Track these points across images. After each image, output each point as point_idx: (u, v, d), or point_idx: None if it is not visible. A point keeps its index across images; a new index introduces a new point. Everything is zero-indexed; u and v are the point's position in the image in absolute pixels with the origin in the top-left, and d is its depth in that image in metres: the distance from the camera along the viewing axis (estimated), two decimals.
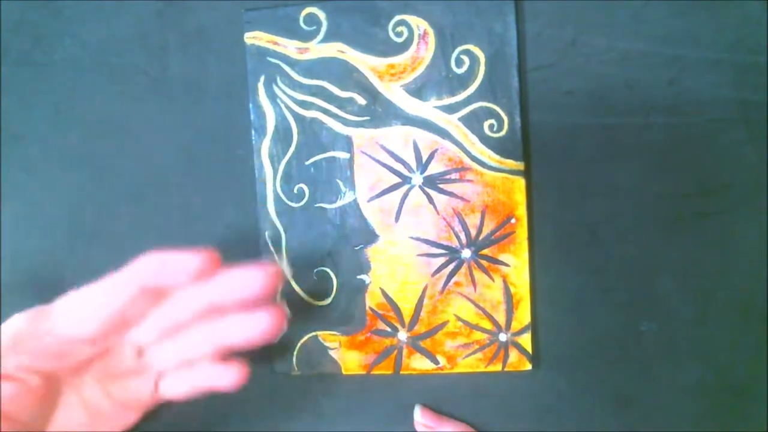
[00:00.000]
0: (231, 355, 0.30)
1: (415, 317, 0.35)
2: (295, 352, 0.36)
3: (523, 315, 0.34)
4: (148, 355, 0.31)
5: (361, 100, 0.35)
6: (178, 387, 0.31)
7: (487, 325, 0.35)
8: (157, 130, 0.37)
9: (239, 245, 0.37)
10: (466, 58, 0.34)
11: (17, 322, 0.30)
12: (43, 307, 0.30)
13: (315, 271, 0.36)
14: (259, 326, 0.28)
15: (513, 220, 0.34)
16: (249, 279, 0.27)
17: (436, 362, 0.35)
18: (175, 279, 0.28)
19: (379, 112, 0.35)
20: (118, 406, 0.32)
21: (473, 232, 0.34)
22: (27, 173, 0.39)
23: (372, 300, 0.36)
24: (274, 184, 0.36)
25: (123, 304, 0.28)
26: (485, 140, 0.34)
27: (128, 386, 0.32)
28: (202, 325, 0.29)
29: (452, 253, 0.35)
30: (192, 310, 0.29)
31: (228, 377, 0.30)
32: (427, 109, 0.34)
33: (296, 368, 0.36)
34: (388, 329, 0.36)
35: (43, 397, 0.30)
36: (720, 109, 0.33)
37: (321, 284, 0.36)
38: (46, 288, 0.38)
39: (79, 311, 0.29)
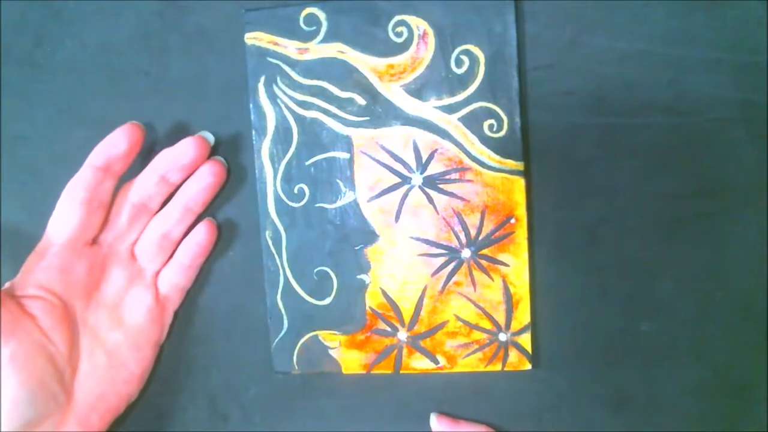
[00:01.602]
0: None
1: (415, 317, 0.35)
2: (295, 352, 0.36)
3: (523, 315, 0.34)
4: (138, 252, 0.36)
5: (361, 101, 0.35)
6: (171, 273, 0.36)
7: (486, 324, 0.35)
8: (158, 130, 0.37)
9: (239, 245, 0.37)
10: (465, 58, 0.34)
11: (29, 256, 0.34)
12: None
13: (315, 271, 0.36)
14: (206, 175, 0.35)
15: (513, 220, 0.34)
16: (182, 149, 0.34)
17: (436, 362, 0.35)
18: (113, 150, 0.33)
19: (379, 112, 0.35)
20: (131, 339, 0.35)
21: (473, 232, 0.34)
22: (28, 174, 0.39)
23: (372, 300, 0.36)
24: (274, 184, 0.36)
25: (85, 187, 0.33)
26: (485, 140, 0.34)
27: (133, 303, 0.35)
28: (165, 201, 0.35)
29: (452, 253, 0.35)
30: (148, 184, 0.34)
31: (203, 233, 0.36)
32: (427, 109, 0.34)
33: (296, 368, 0.37)
34: (388, 329, 0.36)
35: (64, 320, 0.33)
36: (720, 109, 0.33)
37: (321, 284, 0.36)
38: None
39: (57, 214, 0.34)
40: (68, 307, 0.33)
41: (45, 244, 0.33)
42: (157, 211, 0.35)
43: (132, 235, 0.35)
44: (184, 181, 0.35)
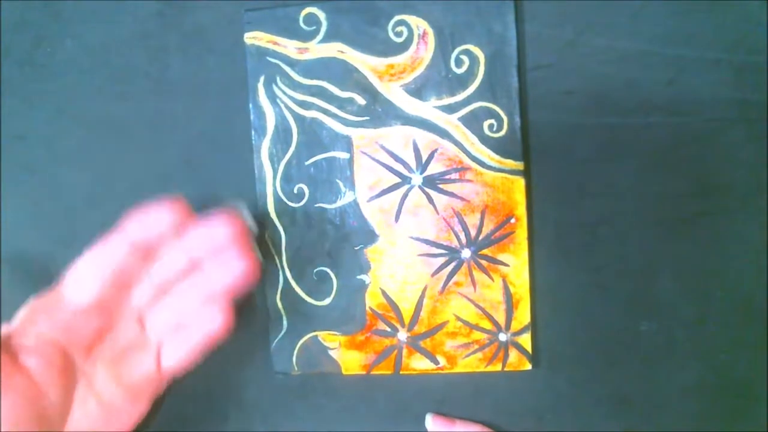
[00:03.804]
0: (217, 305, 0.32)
1: (415, 317, 0.35)
2: (295, 352, 0.36)
3: (523, 315, 0.34)
4: (148, 323, 0.33)
5: (361, 100, 0.35)
6: (177, 351, 0.33)
7: (486, 325, 0.35)
8: (158, 131, 0.37)
9: None
10: (465, 58, 0.34)
11: (32, 302, 0.32)
12: (54, 287, 0.32)
13: (315, 271, 0.36)
14: (234, 269, 0.31)
15: (513, 220, 0.34)
16: (216, 229, 0.31)
17: (436, 362, 0.35)
18: (155, 229, 0.30)
19: (379, 112, 0.35)
20: (127, 394, 0.33)
21: (473, 232, 0.34)
22: (28, 173, 0.39)
23: (372, 300, 0.36)
24: (274, 184, 0.36)
25: (117, 262, 0.31)
26: (485, 140, 0.34)
27: (134, 365, 0.33)
28: (187, 279, 0.32)
29: (452, 253, 0.35)
30: (175, 266, 0.31)
31: (215, 321, 0.32)
32: (427, 109, 0.34)
33: (296, 368, 0.36)
34: (388, 329, 0.36)
35: (63, 374, 0.31)
36: (720, 109, 0.33)
37: (321, 284, 0.36)
38: (46, 288, 0.38)
39: (80, 276, 0.31)
40: (68, 360, 0.31)
41: (56, 298, 0.31)
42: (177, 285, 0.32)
43: (146, 308, 0.33)
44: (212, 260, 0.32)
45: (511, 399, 0.36)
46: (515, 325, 0.35)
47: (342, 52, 0.35)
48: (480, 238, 0.34)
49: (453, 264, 0.35)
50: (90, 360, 0.33)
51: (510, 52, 0.33)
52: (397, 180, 0.35)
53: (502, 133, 0.34)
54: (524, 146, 0.34)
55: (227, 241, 0.31)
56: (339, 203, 0.35)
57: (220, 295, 0.32)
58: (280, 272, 0.36)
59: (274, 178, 0.36)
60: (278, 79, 0.35)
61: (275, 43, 0.35)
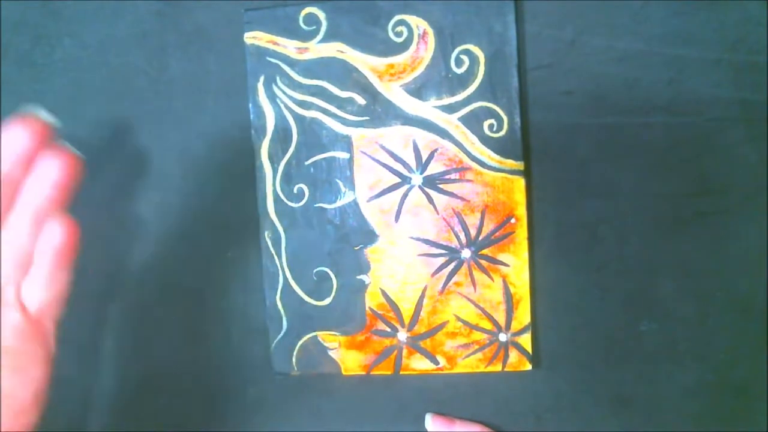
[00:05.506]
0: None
1: (415, 317, 0.35)
2: (294, 353, 0.36)
3: (523, 315, 0.34)
4: None
5: (360, 100, 0.35)
6: (36, 285, 0.29)
7: (487, 325, 0.35)
8: (157, 130, 0.37)
9: (239, 245, 0.37)
10: (465, 58, 0.34)
11: None
12: None
13: (315, 271, 0.36)
14: (52, 173, 0.28)
15: (513, 220, 0.34)
16: (14, 137, 0.27)
17: (436, 362, 0.35)
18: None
19: (378, 112, 0.35)
20: (11, 364, 0.29)
21: (473, 232, 0.34)
22: None
23: (372, 300, 0.36)
24: (274, 184, 0.36)
25: None
26: (485, 140, 0.34)
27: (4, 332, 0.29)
28: (10, 206, 0.28)
29: (452, 253, 0.35)
30: None
31: (56, 234, 0.29)
32: (427, 109, 0.34)
33: (296, 368, 0.36)
34: (388, 329, 0.36)
35: None
36: (720, 109, 0.33)
37: (321, 284, 0.36)
38: None
39: None
40: None
41: None
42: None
43: None
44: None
45: (511, 399, 0.36)
46: (515, 326, 0.35)
47: (342, 51, 0.35)
48: (480, 238, 0.34)
49: (453, 264, 0.35)
50: None
51: (510, 52, 0.33)
52: (397, 180, 0.35)
53: (502, 133, 0.34)
54: (524, 146, 0.34)
55: (32, 147, 0.28)
56: (339, 203, 0.35)
57: (49, 205, 0.28)
58: (280, 272, 0.36)
59: (274, 178, 0.36)
60: (278, 78, 0.35)
61: (275, 43, 0.35)
